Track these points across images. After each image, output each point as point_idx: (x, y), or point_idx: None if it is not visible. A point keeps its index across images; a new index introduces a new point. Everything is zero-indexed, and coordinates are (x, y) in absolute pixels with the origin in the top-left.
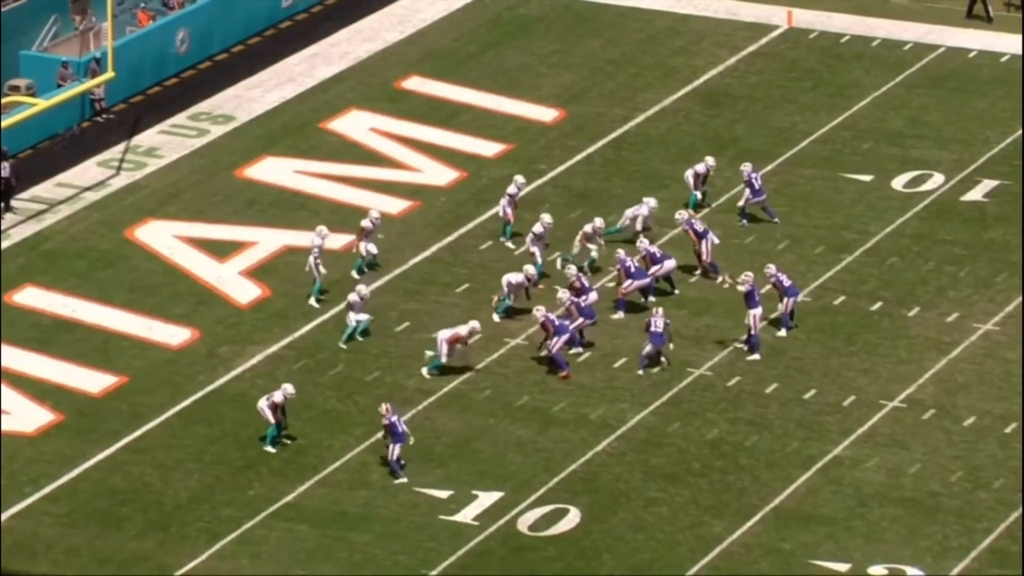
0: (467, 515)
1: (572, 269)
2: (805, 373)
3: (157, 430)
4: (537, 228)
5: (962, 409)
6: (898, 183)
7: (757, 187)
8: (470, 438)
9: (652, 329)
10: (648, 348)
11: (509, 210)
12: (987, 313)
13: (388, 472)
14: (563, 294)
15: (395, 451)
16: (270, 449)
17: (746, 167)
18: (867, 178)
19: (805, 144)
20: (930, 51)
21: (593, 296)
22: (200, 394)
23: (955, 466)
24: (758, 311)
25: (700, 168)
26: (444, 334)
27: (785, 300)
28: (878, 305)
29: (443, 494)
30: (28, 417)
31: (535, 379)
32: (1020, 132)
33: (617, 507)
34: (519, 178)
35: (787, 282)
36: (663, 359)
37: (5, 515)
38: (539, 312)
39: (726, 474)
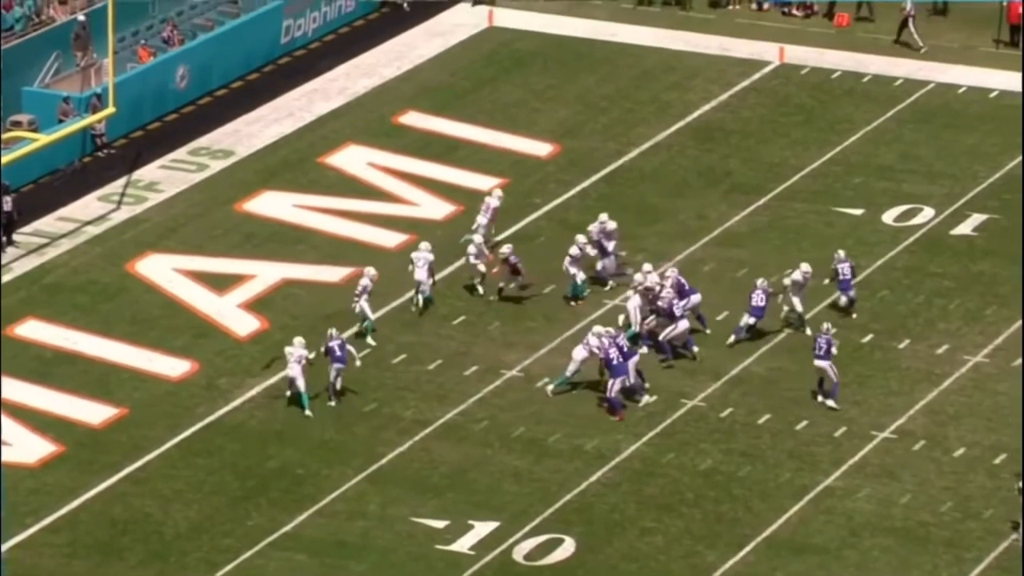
0: (463, 545)
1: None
2: (797, 404)
3: (157, 461)
4: (574, 251)
5: (952, 440)
6: (889, 217)
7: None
8: (466, 468)
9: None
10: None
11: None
12: (977, 345)
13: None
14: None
15: (334, 374)
16: (309, 413)
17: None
18: (858, 212)
19: (797, 178)
20: (920, 87)
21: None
22: (199, 425)
23: (945, 496)
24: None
25: (797, 276)
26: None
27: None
28: (869, 337)
29: (439, 524)
30: (29, 448)
31: (531, 410)
32: (1008, 167)
33: (612, 537)
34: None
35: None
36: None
37: (6, 546)
38: (597, 347)
39: (719, 504)
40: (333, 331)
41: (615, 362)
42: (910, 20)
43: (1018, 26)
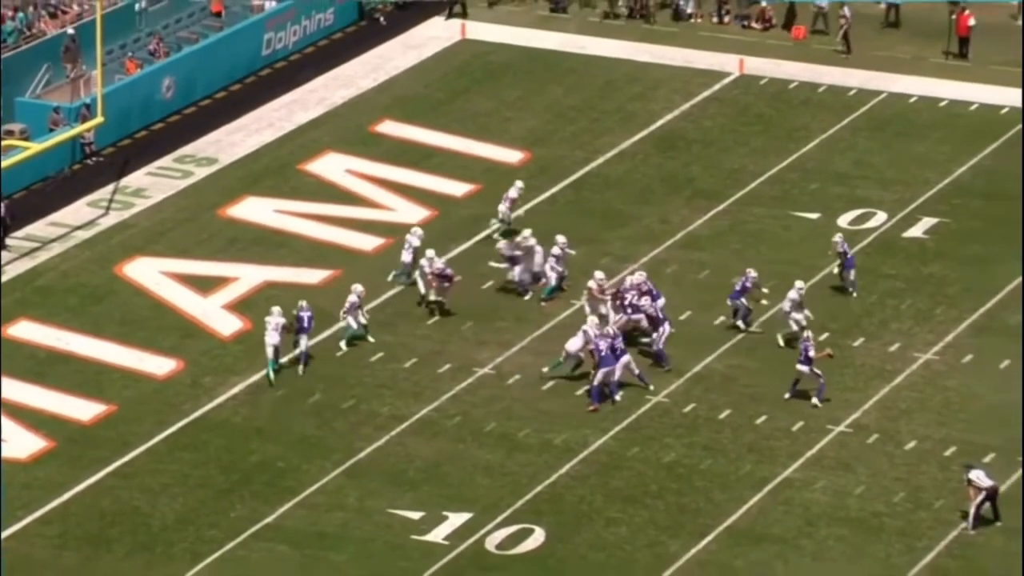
0: (438, 535)
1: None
2: (756, 400)
3: (144, 456)
4: (555, 250)
5: (904, 434)
6: (844, 221)
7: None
8: (440, 462)
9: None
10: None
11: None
12: (927, 343)
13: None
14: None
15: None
16: (344, 347)
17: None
18: (815, 216)
19: (756, 184)
20: (873, 96)
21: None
22: (185, 422)
23: (897, 488)
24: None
25: (793, 295)
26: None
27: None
28: (825, 336)
29: (415, 515)
30: (22, 444)
31: (502, 406)
32: (957, 173)
33: (579, 527)
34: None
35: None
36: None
37: (1, 537)
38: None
39: (682, 495)
40: (303, 303)
41: (603, 354)
42: (846, 27)
43: (967, 38)
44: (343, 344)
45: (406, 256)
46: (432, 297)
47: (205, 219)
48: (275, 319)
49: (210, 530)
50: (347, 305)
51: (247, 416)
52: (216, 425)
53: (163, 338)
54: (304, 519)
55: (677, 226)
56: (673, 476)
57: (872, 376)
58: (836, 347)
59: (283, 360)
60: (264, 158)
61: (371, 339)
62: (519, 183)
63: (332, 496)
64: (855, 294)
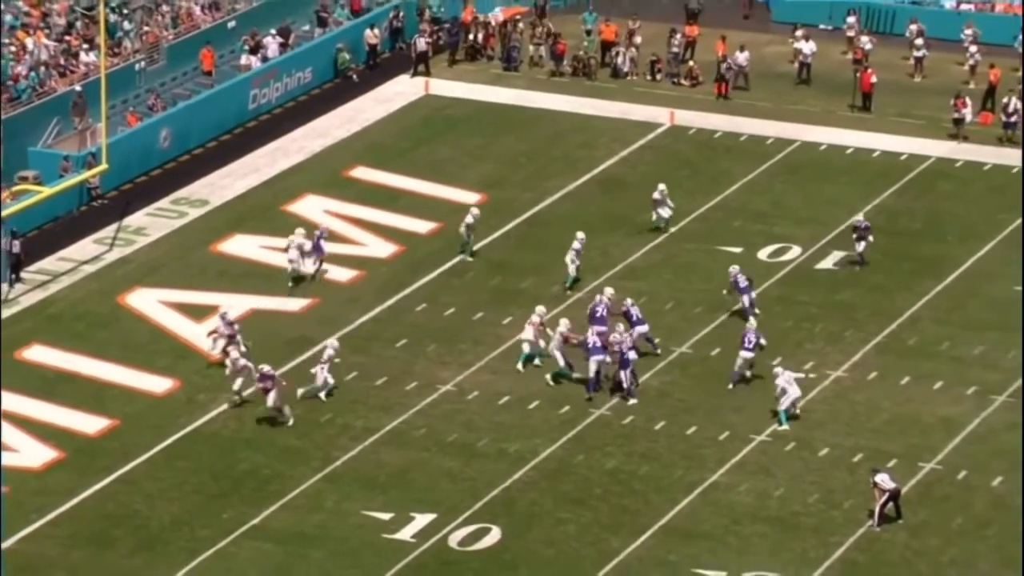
0: (406, 534)
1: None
2: (688, 412)
3: (144, 465)
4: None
5: (818, 442)
6: (763, 254)
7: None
8: (408, 469)
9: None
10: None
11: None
12: (837, 362)
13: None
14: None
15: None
16: (323, 397)
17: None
18: (738, 250)
19: (686, 222)
20: (788, 145)
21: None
22: (181, 434)
23: (812, 490)
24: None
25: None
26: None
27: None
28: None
29: (386, 516)
30: (34, 455)
31: (462, 420)
32: (863, 211)
33: (531, 526)
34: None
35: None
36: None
37: (15, 539)
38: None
39: (622, 498)
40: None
41: (593, 346)
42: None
43: (870, 94)
44: (323, 396)
45: (465, 231)
46: (270, 404)
47: (198, 254)
48: (328, 350)
49: (203, 530)
50: (324, 357)
51: (236, 429)
52: (208, 437)
53: (160, 360)
54: (287, 520)
55: (617, 258)
56: (614, 481)
57: None
58: (757, 366)
59: (301, 390)
60: (250, 200)
61: (323, 397)
62: (475, 210)
63: (312, 499)
64: (758, 312)
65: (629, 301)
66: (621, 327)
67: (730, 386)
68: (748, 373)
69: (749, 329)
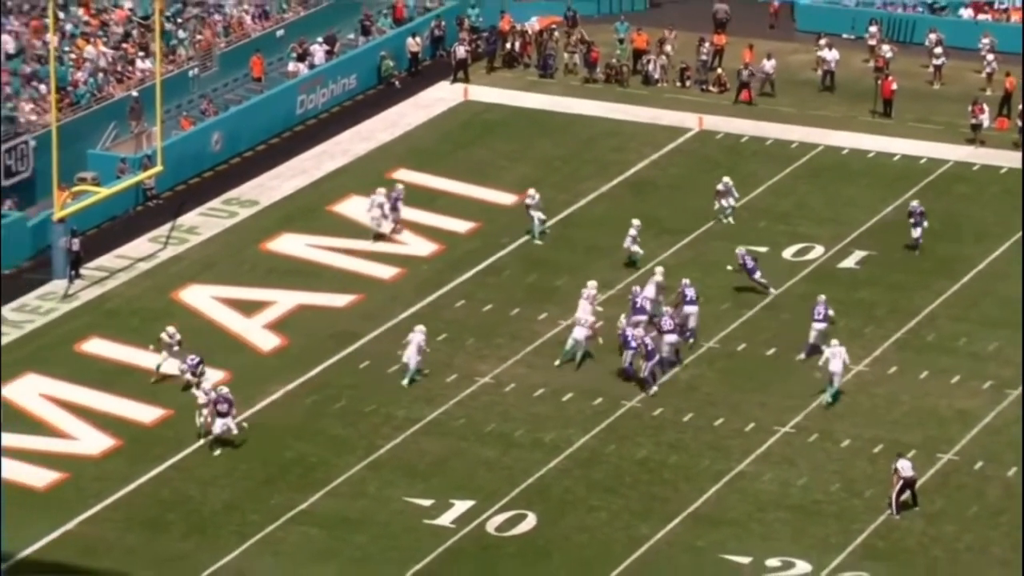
0: (446, 519)
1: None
2: (714, 405)
3: (197, 452)
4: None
5: (839, 433)
6: (787, 253)
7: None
8: (447, 457)
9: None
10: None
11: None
12: (858, 357)
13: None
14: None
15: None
16: (405, 383)
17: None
18: (763, 249)
19: (713, 223)
20: (812, 149)
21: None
22: None
23: (834, 479)
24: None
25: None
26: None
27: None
28: (772, 351)
29: (426, 502)
30: (93, 443)
31: (500, 410)
32: (883, 213)
33: (565, 513)
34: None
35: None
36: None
37: (75, 522)
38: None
39: (652, 486)
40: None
41: (650, 348)
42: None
43: (890, 100)
44: (404, 382)
45: (535, 215)
46: (216, 429)
47: (248, 252)
48: (417, 336)
49: (253, 515)
50: (408, 339)
51: (283, 419)
52: (257, 426)
53: (212, 353)
54: (332, 506)
55: (648, 257)
56: (645, 470)
57: (812, 385)
58: (782, 360)
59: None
60: (298, 200)
61: (404, 383)
62: (532, 192)
63: (356, 486)
64: (772, 290)
65: (686, 281)
66: (668, 309)
67: (801, 356)
68: (822, 345)
69: (819, 302)
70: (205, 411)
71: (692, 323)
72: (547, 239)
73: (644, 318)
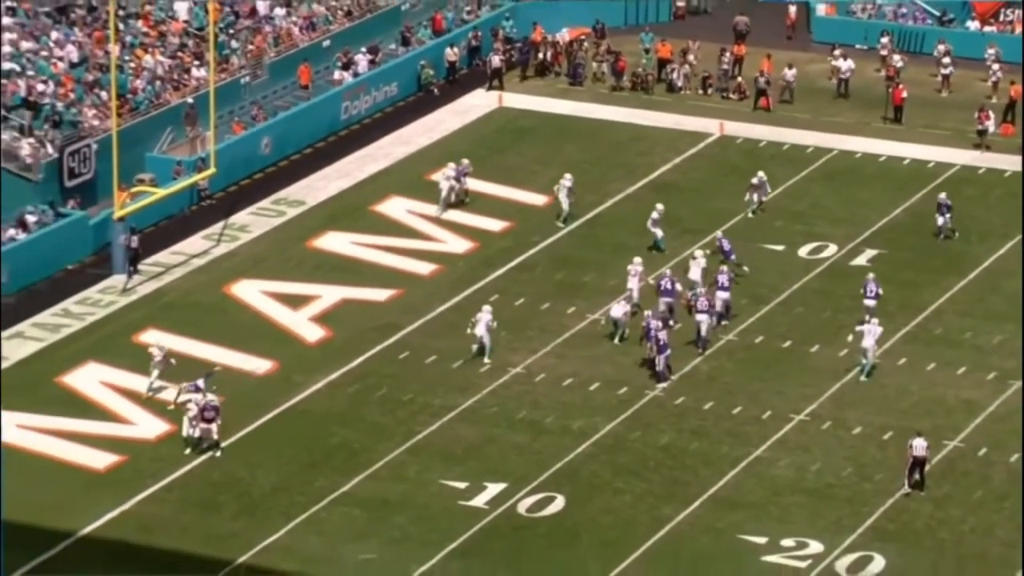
0: (480, 501)
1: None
2: (733, 394)
3: (247, 437)
4: (654, 215)
5: (851, 421)
6: (803, 251)
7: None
8: (482, 443)
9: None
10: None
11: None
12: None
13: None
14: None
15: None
16: (488, 361)
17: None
18: (780, 248)
19: (733, 222)
20: (826, 153)
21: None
22: (279, 410)
23: (846, 464)
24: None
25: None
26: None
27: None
28: (788, 343)
29: (461, 485)
30: (150, 427)
31: (530, 399)
32: (894, 214)
33: (592, 495)
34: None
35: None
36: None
37: (133, 501)
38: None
39: (674, 470)
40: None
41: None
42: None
43: (901, 107)
44: (487, 359)
45: (564, 199)
46: (196, 434)
47: (295, 249)
48: (485, 316)
49: (298, 497)
50: (476, 317)
51: (328, 406)
52: (303, 413)
53: (261, 344)
54: (373, 488)
55: (669, 255)
56: (667, 455)
57: (825, 375)
58: (797, 352)
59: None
60: (342, 200)
61: (487, 360)
62: (568, 177)
63: (395, 470)
64: (745, 269)
65: (724, 268)
66: (701, 289)
67: (852, 336)
68: (868, 317)
69: (869, 280)
70: (194, 419)
71: (719, 307)
72: (572, 235)
73: (671, 300)
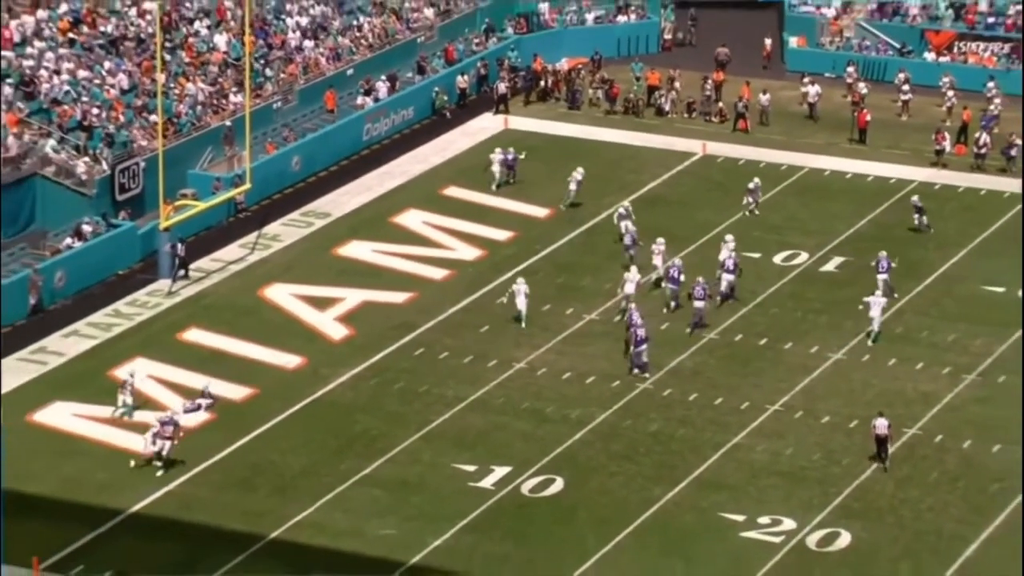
0: (487, 482)
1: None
2: (715, 387)
3: (279, 425)
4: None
5: (821, 411)
6: (777, 258)
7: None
8: (490, 430)
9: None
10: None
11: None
12: (838, 346)
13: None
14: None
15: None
16: (524, 325)
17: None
18: (756, 255)
19: (715, 232)
20: (798, 170)
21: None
22: (307, 400)
23: (816, 450)
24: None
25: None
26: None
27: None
28: (764, 341)
29: (471, 468)
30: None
31: (533, 391)
32: (859, 225)
33: (589, 478)
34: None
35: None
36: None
37: (177, 482)
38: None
39: (662, 455)
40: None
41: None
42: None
43: (865, 129)
44: (523, 325)
45: (573, 188)
46: (155, 449)
47: (322, 256)
48: (522, 287)
49: (325, 478)
50: (512, 289)
51: (352, 397)
52: (329, 403)
53: (292, 341)
54: (392, 471)
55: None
56: (656, 441)
57: (797, 370)
58: (772, 350)
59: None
60: (364, 213)
61: (523, 326)
62: (580, 170)
63: (412, 455)
64: (683, 278)
65: (733, 254)
66: (701, 279)
67: (861, 305)
68: (879, 290)
69: (882, 257)
70: (154, 435)
71: (724, 288)
72: (571, 243)
73: (676, 288)
